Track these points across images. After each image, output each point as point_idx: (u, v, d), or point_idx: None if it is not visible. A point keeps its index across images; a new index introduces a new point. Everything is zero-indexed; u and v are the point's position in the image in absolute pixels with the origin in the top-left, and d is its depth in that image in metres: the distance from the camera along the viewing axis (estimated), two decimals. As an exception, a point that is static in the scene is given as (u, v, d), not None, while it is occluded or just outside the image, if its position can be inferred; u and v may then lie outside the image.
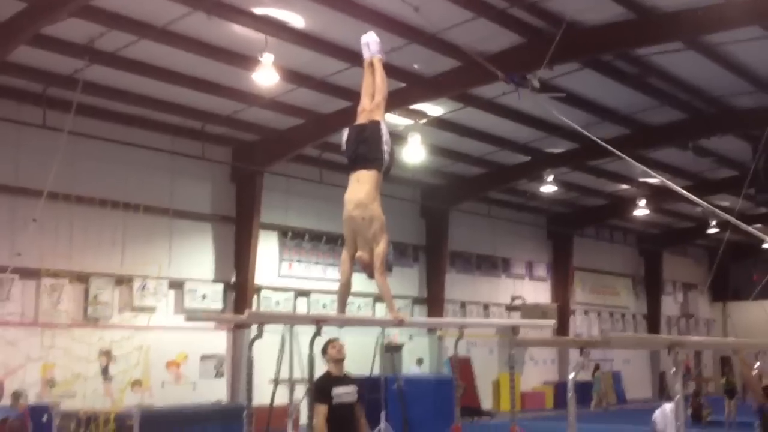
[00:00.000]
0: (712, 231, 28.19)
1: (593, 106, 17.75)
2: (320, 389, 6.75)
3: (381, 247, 5.88)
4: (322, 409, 6.66)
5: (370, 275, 5.96)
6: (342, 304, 6.22)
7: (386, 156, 6.11)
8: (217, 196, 18.52)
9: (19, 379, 14.02)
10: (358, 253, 5.95)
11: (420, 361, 21.71)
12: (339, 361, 7.04)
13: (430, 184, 23.16)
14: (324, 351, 7.07)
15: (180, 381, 17.18)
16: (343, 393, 6.87)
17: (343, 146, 6.25)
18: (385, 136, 6.14)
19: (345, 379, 7.06)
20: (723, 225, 25.14)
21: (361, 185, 6.01)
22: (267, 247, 19.22)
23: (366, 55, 6.34)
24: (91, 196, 15.93)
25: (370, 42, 6.33)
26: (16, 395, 12.44)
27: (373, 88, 6.30)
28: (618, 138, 18.03)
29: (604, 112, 18.22)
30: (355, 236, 6.01)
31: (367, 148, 6.11)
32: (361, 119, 6.32)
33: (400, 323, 6.74)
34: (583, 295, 29.62)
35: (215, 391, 17.58)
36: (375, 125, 6.18)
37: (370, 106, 6.28)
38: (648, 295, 32.96)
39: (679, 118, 18.91)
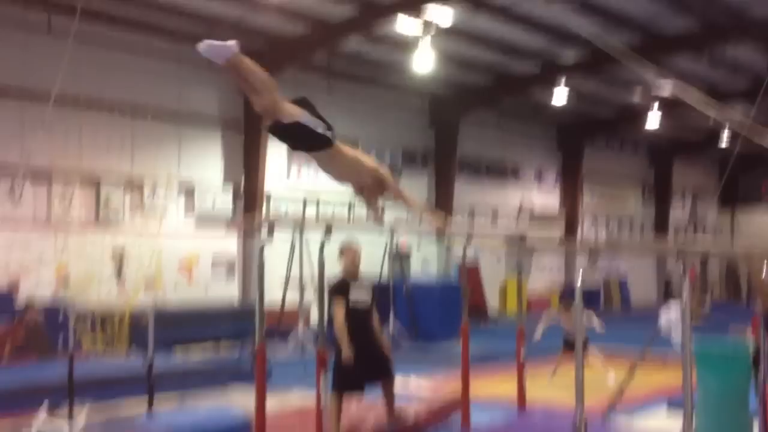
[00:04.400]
0: (723, 142, 27.96)
1: (607, 12, 17.36)
2: (338, 290, 6.91)
3: (387, 174, 5.09)
4: (340, 309, 6.80)
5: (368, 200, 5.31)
6: None
7: (326, 132, 5.08)
8: (225, 102, 18.39)
9: (34, 280, 14.32)
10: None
11: (424, 264, 21.92)
12: (354, 267, 7.13)
13: (440, 94, 22.90)
14: (341, 254, 7.14)
15: (192, 283, 17.51)
16: (359, 296, 6.98)
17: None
18: (310, 124, 4.99)
19: (360, 283, 7.16)
20: (734, 136, 24.92)
21: (334, 168, 5.19)
22: (276, 152, 19.22)
23: (220, 61, 4.55)
24: (99, 101, 15.90)
25: (213, 49, 4.47)
26: (30, 304, 12.63)
27: (253, 86, 4.77)
28: (632, 46, 17.70)
29: (618, 19, 17.83)
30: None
31: (307, 142, 5.07)
32: (268, 120, 4.86)
33: (441, 230, 6.98)
34: (591, 204, 29.71)
35: (227, 293, 17.93)
36: (293, 127, 4.91)
37: (268, 104, 4.79)
38: (656, 204, 33.03)
39: (694, 26, 18.52)
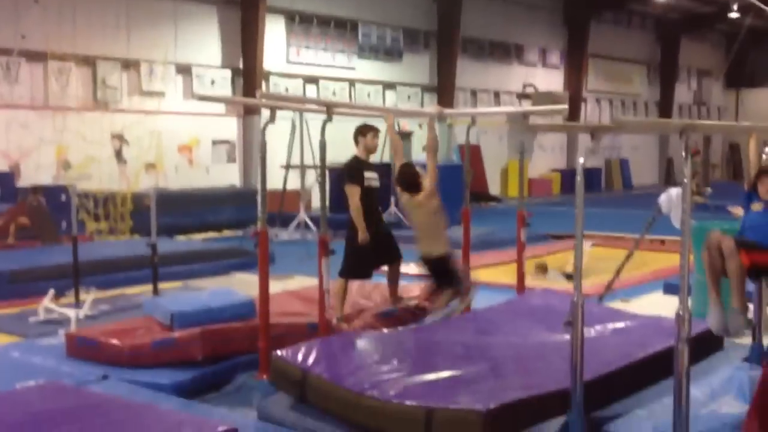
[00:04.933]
0: (733, 15, 27.32)
1: None
2: (354, 171, 6.87)
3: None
4: (357, 190, 6.78)
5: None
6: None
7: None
8: (221, -23, 17.89)
9: (34, 161, 14.30)
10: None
11: (425, 149, 21.82)
12: (373, 148, 7.13)
13: (443, -35, 22.21)
14: (360, 135, 7.07)
15: (193, 165, 17.49)
16: (371, 177, 6.97)
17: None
18: None
19: (372, 165, 7.16)
20: (744, 9, 24.32)
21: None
22: (274, 32, 18.80)
23: None
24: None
25: None
26: (34, 186, 12.61)
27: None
28: None
29: None
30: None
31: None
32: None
33: (440, 114, 7.35)
34: (596, 83, 29.30)
35: (228, 176, 17.94)
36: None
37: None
38: (662, 83, 32.58)
39: None
